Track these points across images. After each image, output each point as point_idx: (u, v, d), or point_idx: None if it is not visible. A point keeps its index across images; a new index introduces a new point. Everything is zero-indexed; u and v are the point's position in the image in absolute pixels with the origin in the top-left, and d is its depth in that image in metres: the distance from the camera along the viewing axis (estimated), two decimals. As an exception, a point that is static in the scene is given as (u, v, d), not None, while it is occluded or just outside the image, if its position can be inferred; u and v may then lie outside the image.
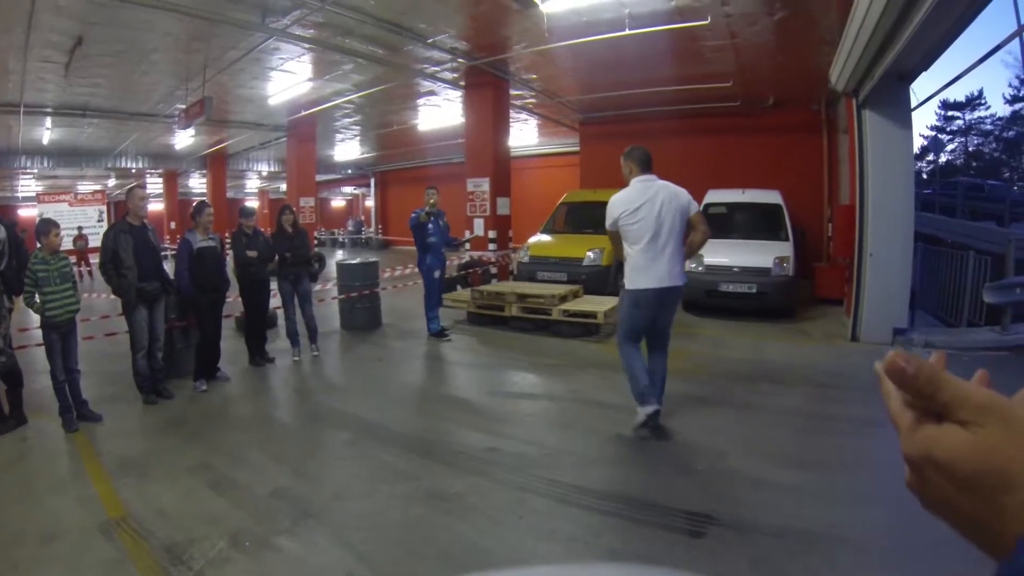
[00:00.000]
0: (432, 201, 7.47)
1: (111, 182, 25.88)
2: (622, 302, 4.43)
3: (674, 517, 3.15)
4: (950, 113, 38.27)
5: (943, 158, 34.80)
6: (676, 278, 4.23)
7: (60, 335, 4.75)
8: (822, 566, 2.71)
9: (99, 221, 21.89)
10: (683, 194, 4.28)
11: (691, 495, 3.39)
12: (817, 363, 6.26)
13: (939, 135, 36.60)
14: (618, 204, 4.25)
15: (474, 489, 3.58)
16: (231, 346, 6.80)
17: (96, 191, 24.40)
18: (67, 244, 17.44)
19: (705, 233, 4.27)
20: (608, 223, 4.32)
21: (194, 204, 6.09)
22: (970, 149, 38.24)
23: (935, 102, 38.60)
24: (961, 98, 37.34)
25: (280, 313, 7.26)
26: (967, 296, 7.47)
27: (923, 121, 45.44)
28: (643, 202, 4.17)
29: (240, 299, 6.63)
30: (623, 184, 4.40)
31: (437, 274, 7.60)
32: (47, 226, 4.81)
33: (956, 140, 38.56)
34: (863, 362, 6.19)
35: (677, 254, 4.22)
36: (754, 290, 8.35)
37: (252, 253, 6.37)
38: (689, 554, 2.85)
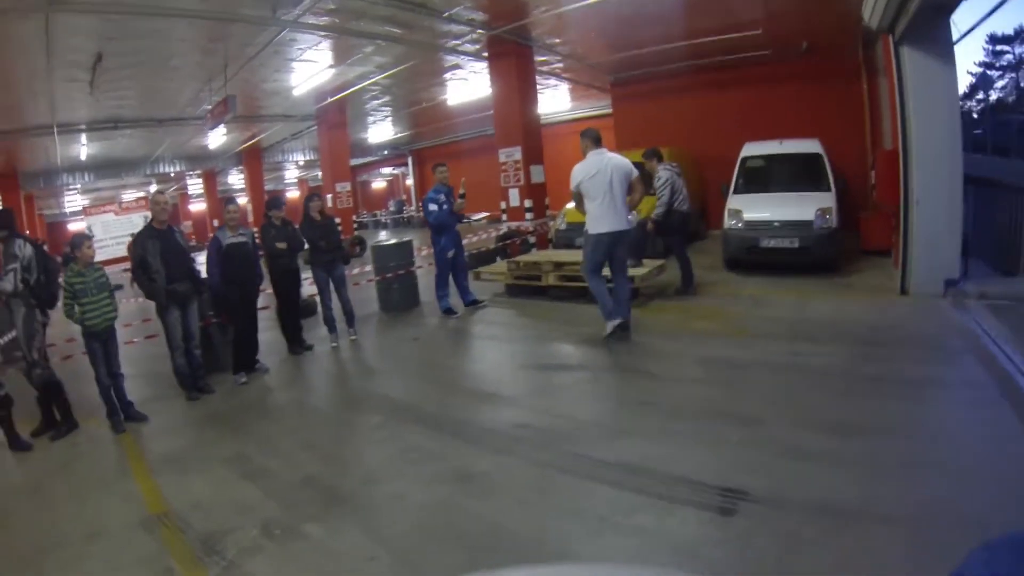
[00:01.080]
0: (443, 177, 7.53)
1: (153, 188, 26.73)
2: (586, 244, 5.79)
3: (706, 493, 3.03)
4: (998, 47, 35.70)
5: (993, 95, 32.56)
6: (623, 224, 5.66)
7: (101, 342, 4.94)
8: (857, 547, 2.52)
9: (143, 227, 22.57)
10: (626, 163, 5.69)
11: (725, 468, 3.24)
12: (863, 319, 5.95)
13: (988, 71, 34.24)
14: (579, 172, 5.70)
15: (500, 468, 3.56)
16: (270, 337, 6.94)
17: (140, 198, 25.15)
18: (122, 251, 18.35)
19: (641, 192, 5.79)
20: (572, 186, 5.75)
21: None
22: (1022, 85, 35.62)
23: (982, 36, 36.15)
24: (1009, 31, 34.82)
25: (317, 300, 7.36)
26: (1025, 242, 6.95)
27: (970, 57, 42.54)
28: (597, 170, 5.59)
29: (273, 290, 6.73)
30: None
31: (451, 254, 7.61)
32: (80, 240, 5.00)
33: (1007, 76, 35.90)
34: (912, 316, 5.87)
35: (624, 207, 5.66)
36: (796, 244, 8.02)
37: (282, 245, 6.43)
38: (718, 534, 2.72)
